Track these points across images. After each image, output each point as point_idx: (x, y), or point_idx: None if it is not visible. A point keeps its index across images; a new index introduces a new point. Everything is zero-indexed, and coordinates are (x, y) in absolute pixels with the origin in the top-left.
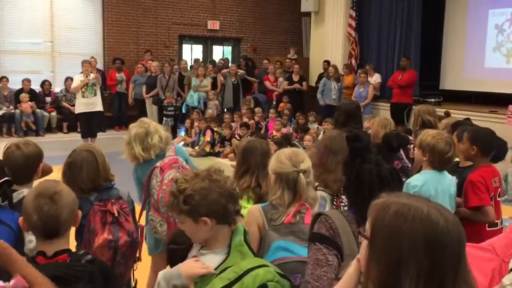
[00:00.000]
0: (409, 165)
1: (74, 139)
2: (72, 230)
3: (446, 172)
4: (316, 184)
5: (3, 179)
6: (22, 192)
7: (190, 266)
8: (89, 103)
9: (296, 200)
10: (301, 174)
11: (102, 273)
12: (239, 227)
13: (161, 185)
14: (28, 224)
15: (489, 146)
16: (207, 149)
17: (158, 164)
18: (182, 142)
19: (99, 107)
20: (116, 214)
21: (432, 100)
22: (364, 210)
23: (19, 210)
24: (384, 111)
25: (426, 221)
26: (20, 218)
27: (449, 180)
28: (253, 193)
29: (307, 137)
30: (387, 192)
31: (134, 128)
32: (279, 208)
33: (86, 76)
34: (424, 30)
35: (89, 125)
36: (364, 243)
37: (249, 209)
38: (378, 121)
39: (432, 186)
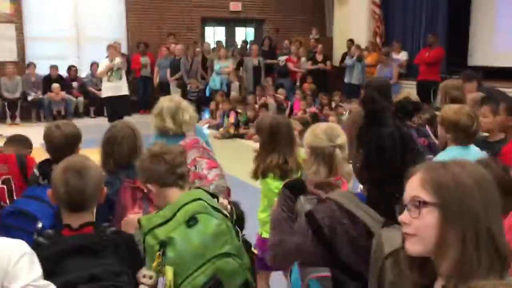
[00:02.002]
0: (435, 141)
1: (101, 123)
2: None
3: (472, 147)
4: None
5: (44, 158)
6: None
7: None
8: (115, 87)
9: (332, 174)
10: (337, 149)
11: (126, 244)
12: None
13: None
14: (55, 197)
15: None
16: (231, 130)
17: (181, 143)
18: (207, 125)
19: (124, 90)
20: (146, 191)
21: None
22: (385, 180)
23: None
24: (411, 89)
25: (480, 173)
26: (49, 191)
27: (477, 155)
28: (279, 170)
29: (331, 117)
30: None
31: (165, 101)
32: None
33: (112, 61)
34: (452, 5)
35: (116, 109)
36: (427, 212)
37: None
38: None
39: None
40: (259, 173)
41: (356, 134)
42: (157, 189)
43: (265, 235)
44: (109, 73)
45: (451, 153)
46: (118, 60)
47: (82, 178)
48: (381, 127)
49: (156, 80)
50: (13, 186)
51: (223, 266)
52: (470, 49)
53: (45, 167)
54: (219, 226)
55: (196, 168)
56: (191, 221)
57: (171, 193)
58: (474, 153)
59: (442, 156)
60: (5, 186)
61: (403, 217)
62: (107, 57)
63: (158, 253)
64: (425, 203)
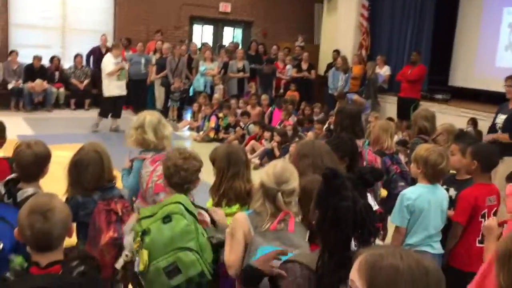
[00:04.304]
0: (407, 169)
1: (82, 117)
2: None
3: (439, 186)
4: None
5: (9, 177)
6: (27, 191)
7: None
8: (121, 86)
9: (277, 210)
10: (279, 193)
11: (91, 286)
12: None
13: (151, 176)
14: (22, 238)
15: (490, 163)
16: (211, 135)
17: (149, 155)
18: (187, 126)
19: (125, 90)
20: (120, 213)
21: (440, 96)
22: (336, 247)
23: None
24: (391, 104)
25: (423, 270)
26: (15, 230)
27: (442, 195)
28: (245, 196)
29: (309, 134)
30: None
31: (147, 115)
32: (263, 215)
33: (117, 60)
34: (437, 25)
35: (115, 106)
36: None
37: (235, 216)
38: (380, 125)
39: (425, 199)
40: (226, 201)
41: (316, 194)
42: (167, 186)
43: None
44: (118, 72)
45: (419, 190)
46: (121, 60)
47: (48, 221)
48: (339, 199)
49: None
50: None
51: (182, 257)
52: (451, 69)
53: (11, 185)
54: (187, 226)
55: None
56: (166, 219)
57: (171, 193)
58: (440, 192)
59: (409, 193)
60: None
61: None
62: (110, 54)
63: (138, 238)
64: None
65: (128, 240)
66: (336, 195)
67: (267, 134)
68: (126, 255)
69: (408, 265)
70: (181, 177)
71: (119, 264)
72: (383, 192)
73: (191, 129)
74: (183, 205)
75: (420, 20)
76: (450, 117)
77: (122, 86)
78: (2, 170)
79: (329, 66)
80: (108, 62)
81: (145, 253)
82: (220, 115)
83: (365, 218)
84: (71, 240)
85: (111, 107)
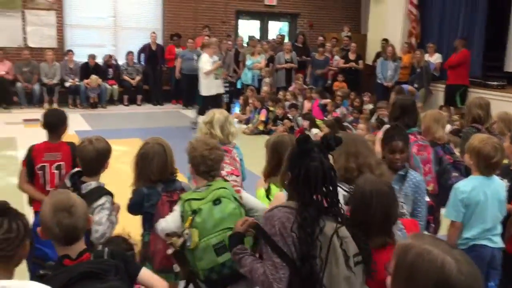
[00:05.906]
0: (461, 160)
1: (135, 112)
2: (138, 218)
3: (495, 177)
4: None
5: (75, 170)
6: (91, 185)
7: None
8: (219, 84)
9: None
10: None
11: (123, 261)
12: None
13: None
14: (48, 235)
15: None
16: (260, 127)
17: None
18: (236, 120)
19: (223, 87)
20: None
21: (495, 83)
22: (310, 201)
23: (87, 201)
24: (442, 92)
25: (440, 269)
26: (38, 229)
27: (499, 186)
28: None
29: (361, 125)
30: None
31: (216, 112)
32: None
33: (213, 59)
34: (490, 9)
35: (217, 104)
36: (388, 273)
37: (276, 195)
38: (430, 115)
39: (480, 191)
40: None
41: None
42: (193, 174)
43: None
44: (215, 71)
45: (473, 182)
46: (216, 58)
47: (72, 216)
48: (309, 160)
49: (178, 71)
50: (64, 171)
51: None
52: (507, 54)
53: (75, 178)
54: (234, 209)
55: None
56: (217, 201)
57: (200, 180)
58: (496, 182)
59: (463, 186)
60: (56, 172)
61: None
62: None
63: (190, 217)
64: (387, 270)
65: (173, 221)
66: (307, 157)
67: (305, 123)
68: (187, 233)
69: (428, 261)
70: (207, 166)
71: (178, 243)
72: (430, 187)
73: (239, 122)
74: (229, 190)
75: (473, 5)
76: (506, 104)
77: (220, 84)
78: (66, 153)
79: (378, 55)
80: (206, 62)
81: (195, 232)
82: (271, 108)
83: (331, 175)
84: (137, 231)
85: (210, 105)
